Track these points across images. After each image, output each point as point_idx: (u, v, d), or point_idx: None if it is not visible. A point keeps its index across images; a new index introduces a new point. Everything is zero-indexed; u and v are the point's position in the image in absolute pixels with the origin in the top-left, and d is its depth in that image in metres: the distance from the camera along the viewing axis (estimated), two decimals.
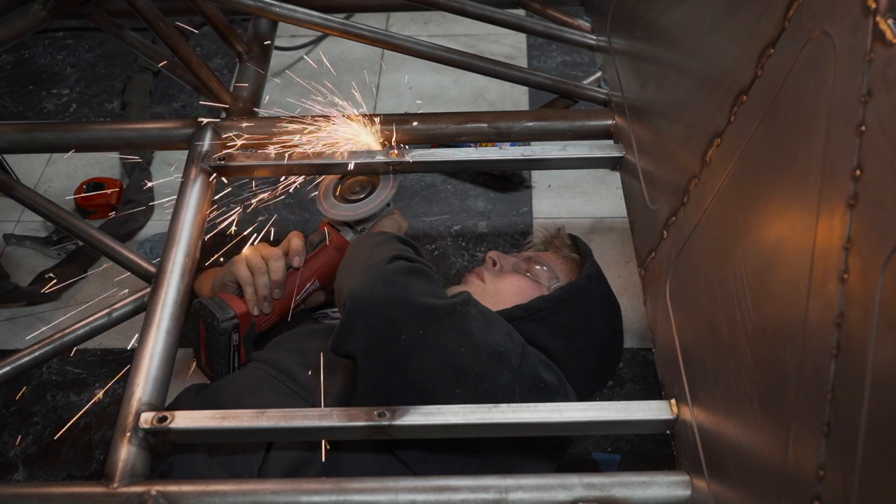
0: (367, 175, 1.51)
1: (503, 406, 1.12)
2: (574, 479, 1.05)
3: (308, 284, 1.46)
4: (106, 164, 2.22)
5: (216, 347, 1.38)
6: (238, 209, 1.54)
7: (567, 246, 1.60)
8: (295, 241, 1.45)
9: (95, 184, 2.09)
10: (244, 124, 1.60)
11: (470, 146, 1.69)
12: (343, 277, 1.28)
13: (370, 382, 1.17)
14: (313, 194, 1.52)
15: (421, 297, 1.18)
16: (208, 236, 1.48)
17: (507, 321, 1.30)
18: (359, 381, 1.19)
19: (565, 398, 1.27)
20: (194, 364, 1.46)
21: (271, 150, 1.53)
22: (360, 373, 1.19)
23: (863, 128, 0.68)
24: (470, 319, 1.18)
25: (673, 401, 1.11)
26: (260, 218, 2.04)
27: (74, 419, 1.49)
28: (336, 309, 1.47)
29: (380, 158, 1.49)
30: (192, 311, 1.40)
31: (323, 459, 1.19)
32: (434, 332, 1.16)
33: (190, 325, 1.42)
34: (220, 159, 1.51)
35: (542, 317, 1.41)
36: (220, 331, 1.36)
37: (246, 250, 1.44)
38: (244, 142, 1.57)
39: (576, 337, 1.45)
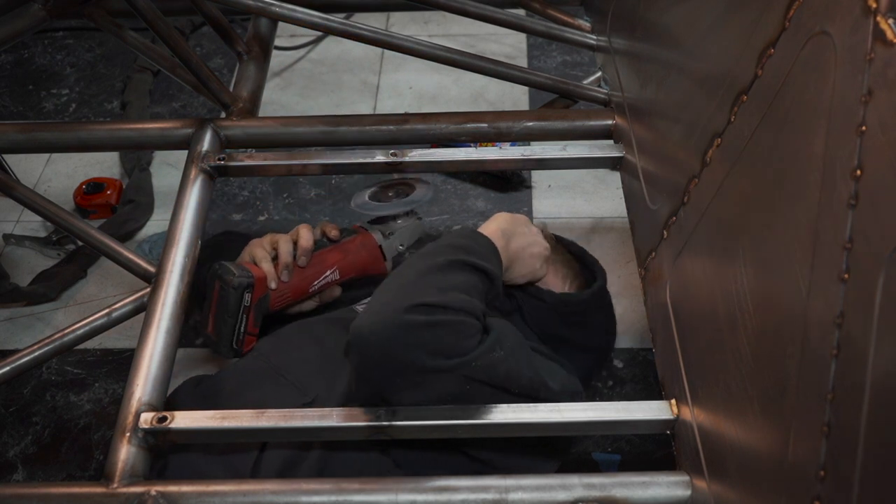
0: (409, 181, 1.52)
1: (503, 406, 1.12)
2: (574, 480, 1.06)
3: (328, 272, 1.44)
4: (106, 164, 2.22)
5: (226, 303, 1.35)
6: None
7: (554, 248, 1.60)
8: (304, 234, 1.43)
9: (95, 184, 2.09)
10: (244, 124, 1.60)
11: (470, 146, 1.69)
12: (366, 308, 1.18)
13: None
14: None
15: (430, 357, 1.09)
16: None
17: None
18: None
19: None
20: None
21: (270, 150, 1.53)
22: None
23: (863, 128, 0.68)
24: (492, 367, 1.12)
25: (673, 401, 1.11)
26: (261, 218, 2.05)
27: None
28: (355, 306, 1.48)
29: (380, 158, 1.49)
30: (208, 275, 1.38)
31: (316, 456, 1.20)
32: (434, 380, 1.11)
33: (203, 291, 1.39)
34: (220, 159, 1.51)
35: (574, 311, 1.45)
36: (234, 285, 1.34)
37: (255, 240, 1.44)
38: (244, 142, 1.57)
39: (586, 334, 1.48)
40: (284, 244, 1.40)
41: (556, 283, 1.50)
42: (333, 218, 2.01)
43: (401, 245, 1.53)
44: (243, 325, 1.37)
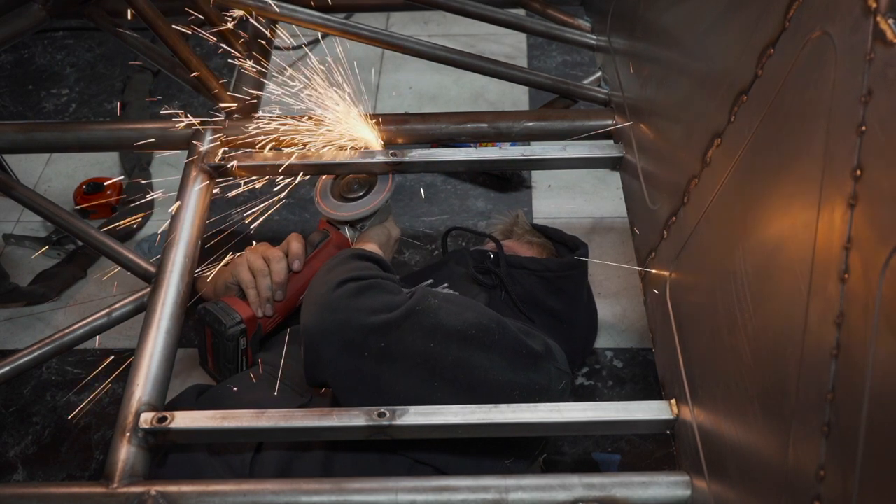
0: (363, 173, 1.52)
1: (503, 406, 1.12)
2: (574, 479, 1.05)
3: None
4: (106, 164, 2.22)
5: (224, 353, 1.38)
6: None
7: (529, 231, 1.64)
8: (294, 244, 1.45)
9: (95, 184, 2.09)
10: (244, 124, 1.60)
11: (470, 146, 1.69)
12: (302, 310, 1.27)
13: (353, 405, 1.18)
14: (312, 194, 1.52)
15: (371, 315, 1.18)
16: (213, 241, 1.48)
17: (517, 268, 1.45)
18: (342, 404, 1.19)
19: (552, 361, 1.28)
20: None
21: (271, 150, 1.53)
22: (339, 398, 1.20)
23: (863, 127, 0.68)
24: (433, 312, 1.19)
25: (673, 401, 1.11)
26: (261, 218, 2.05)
27: None
28: None
29: (380, 158, 1.49)
30: (197, 316, 1.40)
31: (319, 457, 1.20)
32: (396, 341, 1.17)
33: (194, 331, 1.42)
34: (220, 159, 1.51)
35: (549, 277, 1.52)
36: (227, 337, 1.37)
37: (247, 252, 1.44)
38: (244, 142, 1.57)
39: (571, 304, 1.54)
40: (262, 279, 1.40)
41: (534, 255, 1.59)
42: None
43: None
44: (244, 365, 1.41)
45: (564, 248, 1.65)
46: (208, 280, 1.49)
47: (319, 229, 1.51)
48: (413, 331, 1.17)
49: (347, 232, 1.50)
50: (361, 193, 1.49)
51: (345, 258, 1.33)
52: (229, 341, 1.37)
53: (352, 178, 1.51)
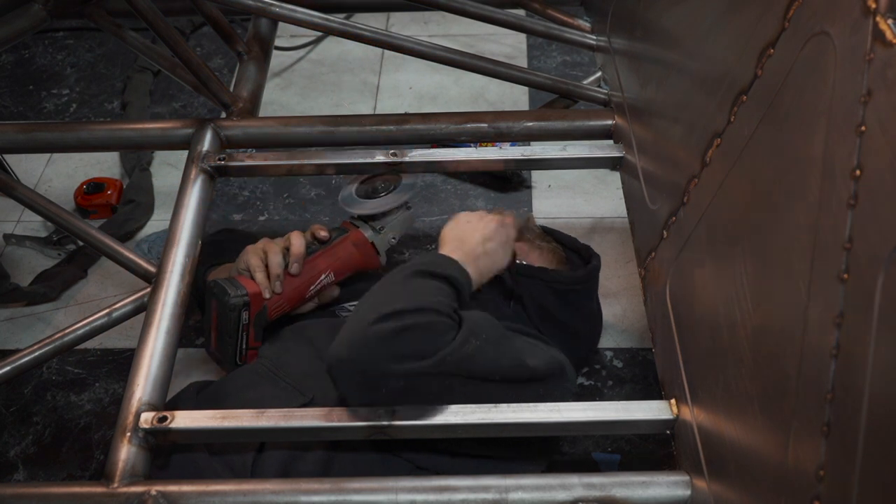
0: (392, 175, 1.53)
1: (503, 406, 1.13)
2: (574, 479, 1.06)
3: (322, 276, 1.45)
4: (106, 164, 2.22)
5: (226, 324, 1.38)
6: None
7: (539, 235, 1.63)
8: (295, 242, 1.43)
9: (95, 184, 2.09)
10: (244, 124, 1.60)
11: (470, 146, 1.69)
12: (342, 327, 1.19)
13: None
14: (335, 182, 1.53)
15: (397, 363, 1.09)
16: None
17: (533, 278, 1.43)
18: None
19: (564, 381, 1.28)
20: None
21: (271, 149, 1.53)
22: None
23: (863, 128, 0.68)
24: (468, 360, 1.12)
25: (673, 401, 1.11)
26: (261, 218, 2.05)
27: None
28: (353, 302, 1.48)
29: (380, 158, 1.49)
30: (206, 291, 1.40)
31: (319, 457, 1.20)
32: (416, 383, 1.11)
33: (202, 308, 1.41)
34: (220, 159, 1.51)
35: (561, 289, 1.48)
36: (230, 306, 1.36)
37: (258, 244, 1.44)
38: (244, 142, 1.57)
39: (580, 316, 1.52)
40: (274, 256, 1.40)
41: (544, 265, 1.55)
42: (333, 218, 2.01)
43: (393, 238, 1.53)
44: (244, 342, 1.39)
45: (576, 255, 1.62)
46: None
47: (341, 226, 1.52)
48: (437, 375, 1.12)
49: (367, 230, 1.50)
50: (383, 194, 1.50)
51: (409, 274, 1.21)
52: (231, 311, 1.36)
53: (380, 179, 1.52)
